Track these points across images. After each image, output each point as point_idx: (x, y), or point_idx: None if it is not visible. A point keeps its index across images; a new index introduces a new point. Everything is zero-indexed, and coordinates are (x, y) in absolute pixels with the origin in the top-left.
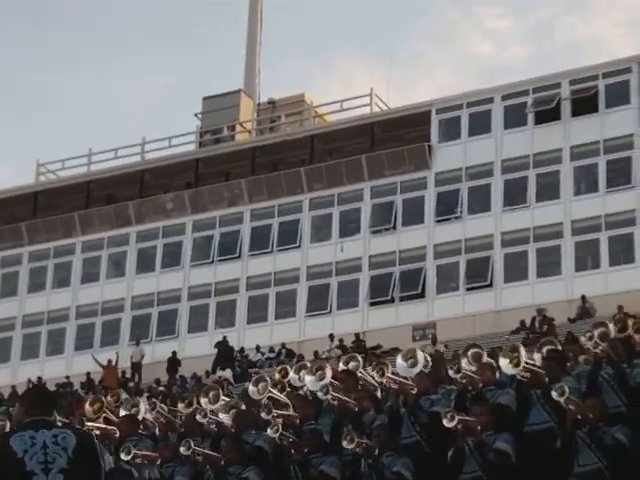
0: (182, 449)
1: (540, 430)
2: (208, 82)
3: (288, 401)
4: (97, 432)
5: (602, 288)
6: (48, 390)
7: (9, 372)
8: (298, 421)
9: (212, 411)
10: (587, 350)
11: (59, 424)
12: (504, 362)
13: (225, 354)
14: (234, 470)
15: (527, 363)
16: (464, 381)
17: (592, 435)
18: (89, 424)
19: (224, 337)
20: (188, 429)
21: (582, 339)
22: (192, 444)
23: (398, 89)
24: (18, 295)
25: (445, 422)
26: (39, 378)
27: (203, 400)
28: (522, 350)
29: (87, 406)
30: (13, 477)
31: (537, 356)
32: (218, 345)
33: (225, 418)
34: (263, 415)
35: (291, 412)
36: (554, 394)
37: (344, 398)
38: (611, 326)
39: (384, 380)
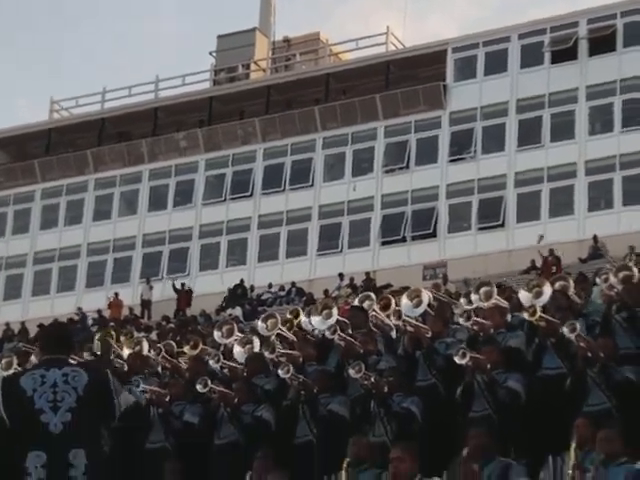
0: (199, 387)
1: (553, 375)
2: (223, 20)
3: (294, 338)
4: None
5: (614, 228)
6: (64, 328)
7: (20, 308)
8: (301, 360)
9: (224, 352)
10: (602, 293)
11: (73, 362)
12: (524, 295)
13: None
14: (247, 408)
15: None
16: (475, 327)
17: (602, 374)
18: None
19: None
20: (193, 373)
21: (597, 280)
22: (209, 382)
23: (414, 21)
24: (30, 232)
25: (457, 359)
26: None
27: (216, 334)
28: (546, 286)
29: (96, 340)
30: (22, 415)
31: (548, 290)
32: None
33: (239, 352)
34: (267, 354)
35: (294, 352)
36: (565, 330)
37: (350, 339)
38: (633, 268)
39: (400, 323)
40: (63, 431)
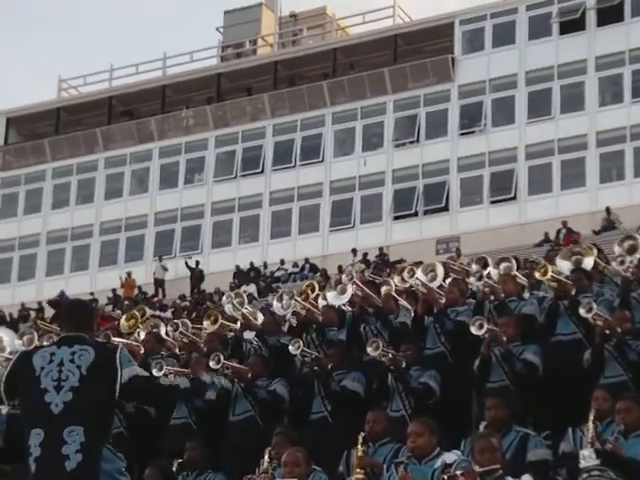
0: (211, 363)
1: (567, 341)
2: None
3: (312, 308)
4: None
5: (627, 199)
6: (83, 305)
7: (34, 289)
8: (321, 319)
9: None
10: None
11: (88, 340)
12: (564, 264)
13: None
14: (261, 383)
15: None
16: (486, 289)
17: (618, 348)
18: (115, 339)
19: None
20: (211, 348)
21: (613, 264)
22: (221, 358)
23: None
24: (42, 212)
25: (473, 330)
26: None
27: (227, 306)
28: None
29: (123, 321)
30: (30, 393)
31: (565, 265)
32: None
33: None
34: (284, 304)
35: (315, 309)
36: (582, 311)
37: (369, 292)
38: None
39: (413, 282)
40: (63, 410)
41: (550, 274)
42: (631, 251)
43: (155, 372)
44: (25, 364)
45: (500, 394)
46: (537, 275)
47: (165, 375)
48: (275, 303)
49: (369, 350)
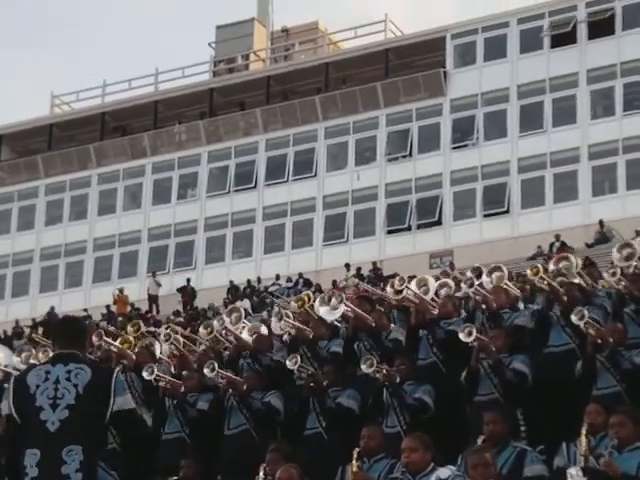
0: (206, 371)
1: (559, 352)
2: (221, 10)
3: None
4: (114, 349)
5: (620, 212)
6: (75, 322)
7: (28, 305)
8: (312, 336)
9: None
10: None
11: (82, 357)
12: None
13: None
14: (256, 395)
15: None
16: (477, 298)
17: (611, 359)
18: (106, 339)
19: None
20: (202, 364)
21: (605, 275)
22: (216, 366)
23: (414, 4)
24: (35, 228)
25: (462, 336)
26: (51, 307)
27: (226, 320)
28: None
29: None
30: (25, 412)
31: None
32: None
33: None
34: (275, 322)
35: (305, 327)
36: (574, 318)
37: (361, 312)
38: (636, 246)
39: (405, 291)
40: (60, 428)
41: (541, 274)
42: (629, 259)
43: (146, 375)
44: (20, 384)
45: (497, 407)
46: (529, 273)
47: (156, 380)
48: (274, 322)
49: (363, 368)
